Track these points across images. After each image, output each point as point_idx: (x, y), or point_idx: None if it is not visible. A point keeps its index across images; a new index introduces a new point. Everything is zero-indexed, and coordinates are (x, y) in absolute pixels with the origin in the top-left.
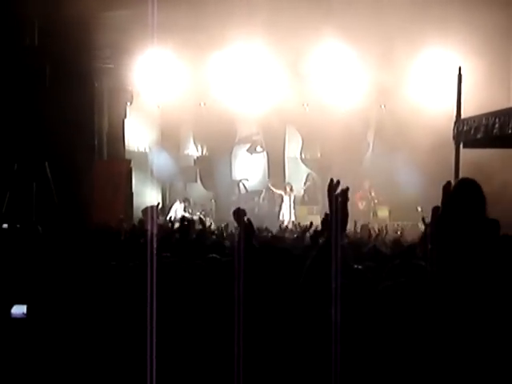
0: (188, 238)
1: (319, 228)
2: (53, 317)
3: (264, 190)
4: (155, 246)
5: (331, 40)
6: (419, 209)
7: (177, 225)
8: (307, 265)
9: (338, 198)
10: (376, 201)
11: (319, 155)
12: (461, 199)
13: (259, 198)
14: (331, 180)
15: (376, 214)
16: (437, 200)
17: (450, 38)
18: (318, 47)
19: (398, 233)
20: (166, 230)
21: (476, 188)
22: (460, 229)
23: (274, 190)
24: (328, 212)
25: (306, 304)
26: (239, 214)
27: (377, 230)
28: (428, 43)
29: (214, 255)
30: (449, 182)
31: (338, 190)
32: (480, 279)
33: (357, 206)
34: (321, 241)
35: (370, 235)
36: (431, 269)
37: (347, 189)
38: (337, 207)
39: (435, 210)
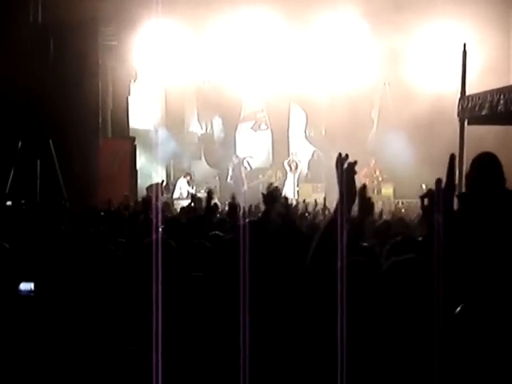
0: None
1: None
2: (59, 294)
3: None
4: (160, 223)
5: (338, 15)
6: (424, 186)
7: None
8: (314, 243)
9: (345, 171)
10: (380, 178)
11: (324, 132)
12: (483, 172)
13: (264, 175)
14: (339, 154)
15: (380, 192)
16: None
17: (455, 13)
18: (324, 22)
19: (403, 210)
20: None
21: (496, 161)
22: (484, 202)
23: (280, 167)
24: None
25: (313, 284)
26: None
27: (380, 208)
28: (433, 19)
29: (217, 232)
30: (453, 154)
31: (346, 164)
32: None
33: (361, 183)
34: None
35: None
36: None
37: (355, 162)
38: (345, 181)
39: (438, 182)
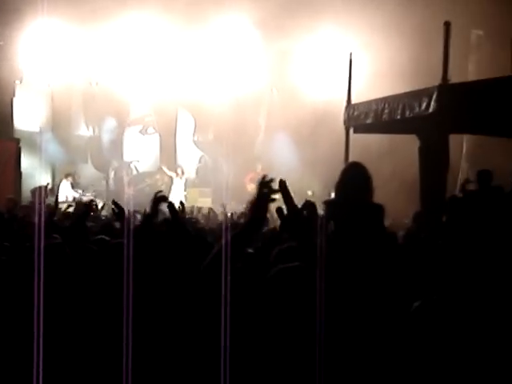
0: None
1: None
2: None
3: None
4: (43, 226)
5: (228, 20)
6: (310, 193)
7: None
8: (213, 252)
9: (265, 195)
10: None
11: (211, 137)
12: (348, 183)
13: (151, 179)
14: (263, 177)
15: None
16: (328, 183)
17: (343, 22)
18: (213, 27)
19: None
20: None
21: (362, 171)
22: (346, 212)
23: (167, 171)
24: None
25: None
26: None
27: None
28: (321, 28)
29: (102, 237)
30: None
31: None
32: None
33: (246, 188)
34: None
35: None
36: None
37: (281, 182)
38: (262, 204)
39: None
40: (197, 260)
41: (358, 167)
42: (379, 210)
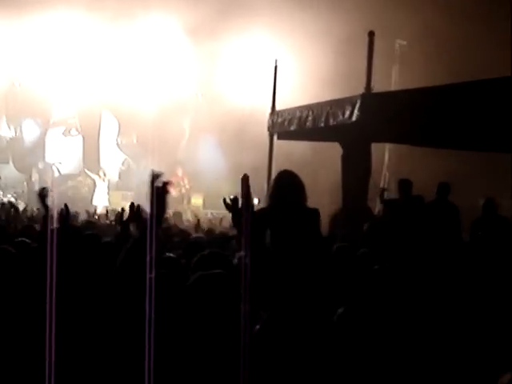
0: None
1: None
2: None
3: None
4: None
5: (151, 23)
6: (227, 199)
7: None
8: (121, 256)
9: (158, 189)
10: (187, 186)
11: (135, 141)
12: (284, 190)
13: (73, 181)
14: (152, 171)
15: (189, 202)
16: (251, 188)
17: (270, 30)
18: (139, 29)
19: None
20: None
21: (296, 178)
22: (283, 217)
23: (90, 174)
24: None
25: (119, 295)
26: (43, 194)
27: (191, 218)
28: (249, 34)
29: (23, 239)
30: (245, 175)
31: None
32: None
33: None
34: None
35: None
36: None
37: (167, 182)
38: (157, 198)
39: (235, 200)
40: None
41: (291, 174)
42: (315, 214)
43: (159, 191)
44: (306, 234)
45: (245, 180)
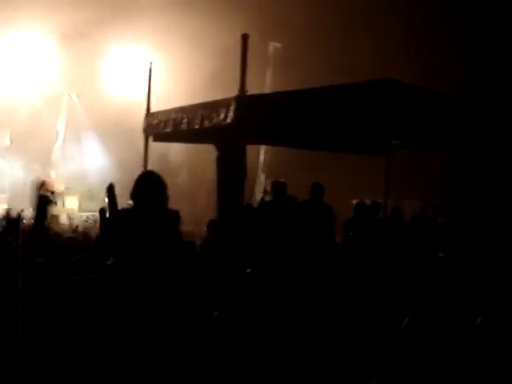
0: None
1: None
2: None
3: None
4: None
5: (25, 25)
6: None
7: None
8: None
9: (42, 198)
10: (62, 188)
11: (9, 143)
12: (144, 191)
13: None
14: (38, 179)
15: (64, 205)
16: (128, 190)
17: (144, 36)
18: (13, 31)
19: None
20: None
21: (157, 179)
22: (142, 219)
23: None
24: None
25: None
26: None
27: (67, 221)
28: (126, 41)
29: None
30: (111, 184)
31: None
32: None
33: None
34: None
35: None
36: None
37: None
38: (40, 206)
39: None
40: None
41: (152, 175)
42: (175, 216)
43: (43, 200)
44: (165, 236)
45: (110, 189)
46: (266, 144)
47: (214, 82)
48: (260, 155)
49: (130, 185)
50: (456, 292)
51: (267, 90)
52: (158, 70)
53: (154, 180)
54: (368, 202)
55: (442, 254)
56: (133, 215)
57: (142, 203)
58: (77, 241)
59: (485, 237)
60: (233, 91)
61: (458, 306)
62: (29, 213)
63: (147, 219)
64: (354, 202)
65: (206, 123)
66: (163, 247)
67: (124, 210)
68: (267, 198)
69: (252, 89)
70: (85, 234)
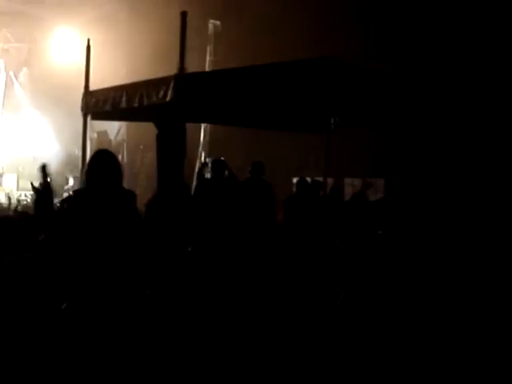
0: None
1: None
2: None
3: None
4: None
5: None
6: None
7: None
8: None
9: None
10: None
11: None
12: (100, 170)
13: None
14: None
15: (1, 184)
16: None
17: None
18: None
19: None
20: None
21: (112, 158)
22: (98, 198)
23: None
24: None
25: None
26: None
27: (7, 199)
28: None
29: None
30: (43, 163)
31: None
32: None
33: None
34: None
35: None
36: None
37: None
38: None
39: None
40: None
41: (107, 154)
42: (132, 196)
43: None
44: (122, 215)
45: (42, 167)
46: (206, 122)
47: (156, 58)
48: (201, 134)
49: (70, 163)
50: (393, 268)
51: (208, 68)
52: (100, 47)
53: (109, 159)
54: (309, 179)
55: (380, 232)
56: (88, 195)
57: (98, 183)
58: (13, 220)
59: (424, 213)
60: (174, 69)
61: (395, 283)
62: None
63: (104, 199)
64: (295, 180)
65: (146, 101)
66: (123, 226)
67: (78, 191)
68: (206, 174)
69: (194, 67)
70: (22, 213)
